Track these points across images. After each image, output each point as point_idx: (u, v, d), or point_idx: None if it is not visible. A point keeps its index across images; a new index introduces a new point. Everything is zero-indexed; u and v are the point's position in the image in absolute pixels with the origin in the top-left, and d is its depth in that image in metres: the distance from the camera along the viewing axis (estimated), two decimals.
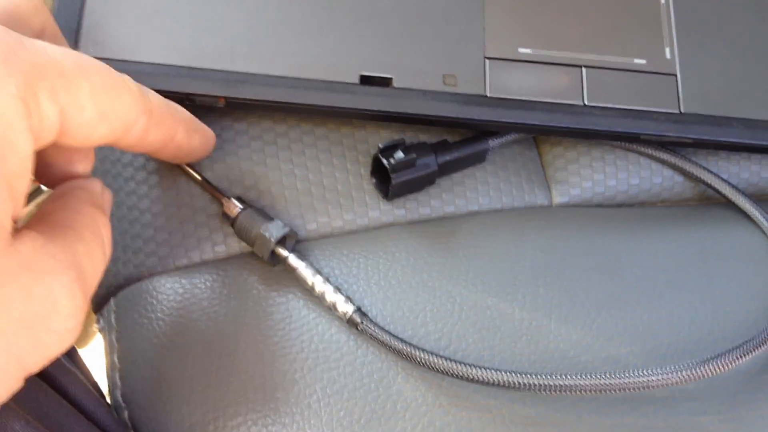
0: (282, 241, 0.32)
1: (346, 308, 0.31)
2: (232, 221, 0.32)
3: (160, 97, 0.27)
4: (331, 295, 0.31)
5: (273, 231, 0.31)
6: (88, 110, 0.23)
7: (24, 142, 0.20)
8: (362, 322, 0.30)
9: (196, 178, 0.33)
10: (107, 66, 0.24)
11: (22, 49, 0.21)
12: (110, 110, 0.23)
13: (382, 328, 0.30)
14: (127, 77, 0.25)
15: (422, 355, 0.30)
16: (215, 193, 0.33)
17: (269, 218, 0.32)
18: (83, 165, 0.27)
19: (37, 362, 0.22)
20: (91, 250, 0.23)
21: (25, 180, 0.21)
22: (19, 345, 0.21)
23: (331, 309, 0.31)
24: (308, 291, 0.32)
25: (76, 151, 0.26)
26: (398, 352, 0.30)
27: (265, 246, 0.31)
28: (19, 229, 0.22)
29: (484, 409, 0.30)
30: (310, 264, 0.32)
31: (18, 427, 0.25)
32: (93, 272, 0.24)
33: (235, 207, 0.32)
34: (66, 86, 0.22)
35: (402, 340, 0.30)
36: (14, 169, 0.20)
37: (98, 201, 0.26)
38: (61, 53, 0.22)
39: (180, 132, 0.28)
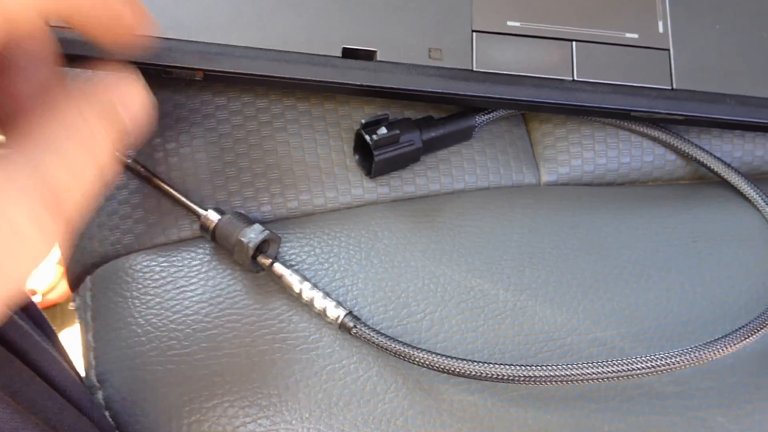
0: (263, 245, 0.30)
1: (336, 313, 0.29)
2: (212, 235, 0.31)
3: None
4: (320, 302, 0.30)
5: (251, 236, 0.30)
6: None
7: None
8: (355, 326, 0.29)
9: (170, 192, 0.32)
10: None
11: None
12: None
13: (377, 331, 0.29)
14: None
15: (409, 352, 0.28)
16: (191, 208, 0.32)
17: (248, 222, 0.30)
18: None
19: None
20: (67, 157, 0.19)
21: None
22: None
23: (321, 315, 0.30)
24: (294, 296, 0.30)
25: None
26: (388, 351, 0.29)
27: (244, 253, 0.30)
28: None
29: (466, 393, 0.29)
30: (296, 271, 0.30)
31: None
32: (73, 183, 0.19)
33: (212, 219, 0.31)
34: None
35: (394, 340, 0.29)
36: None
37: (86, 89, 0.21)
38: None
39: None
